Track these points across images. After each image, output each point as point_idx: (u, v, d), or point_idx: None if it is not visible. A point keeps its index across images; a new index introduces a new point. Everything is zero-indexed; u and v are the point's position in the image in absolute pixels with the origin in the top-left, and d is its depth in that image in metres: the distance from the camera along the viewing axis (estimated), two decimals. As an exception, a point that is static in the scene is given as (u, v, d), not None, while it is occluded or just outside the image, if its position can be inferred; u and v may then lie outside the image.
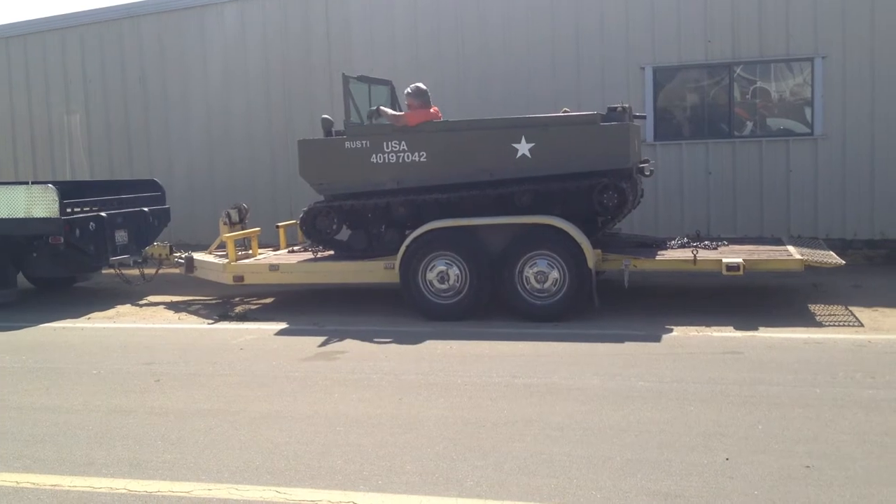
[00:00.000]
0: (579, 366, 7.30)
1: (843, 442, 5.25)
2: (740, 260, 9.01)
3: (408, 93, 10.14)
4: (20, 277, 12.24)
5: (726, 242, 10.36)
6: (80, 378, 7.61)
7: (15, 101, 16.74)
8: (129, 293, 12.15)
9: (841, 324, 8.69)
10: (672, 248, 10.09)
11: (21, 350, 8.91)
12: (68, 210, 11.30)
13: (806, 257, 9.21)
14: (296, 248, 11.63)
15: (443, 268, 9.49)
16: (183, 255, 11.49)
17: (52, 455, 5.59)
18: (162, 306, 11.29)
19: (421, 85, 10.17)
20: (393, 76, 11.70)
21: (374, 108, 10.33)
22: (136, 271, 12.06)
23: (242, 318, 10.25)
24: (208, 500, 4.73)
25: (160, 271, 12.05)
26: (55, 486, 5.04)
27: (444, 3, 13.88)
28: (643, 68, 13.06)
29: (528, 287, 9.28)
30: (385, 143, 9.89)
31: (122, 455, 5.52)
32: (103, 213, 11.69)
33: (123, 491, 4.92)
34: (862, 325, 8.55)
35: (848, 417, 5.70)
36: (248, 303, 11.28)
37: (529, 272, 9.26)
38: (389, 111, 10.19)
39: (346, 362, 7.80)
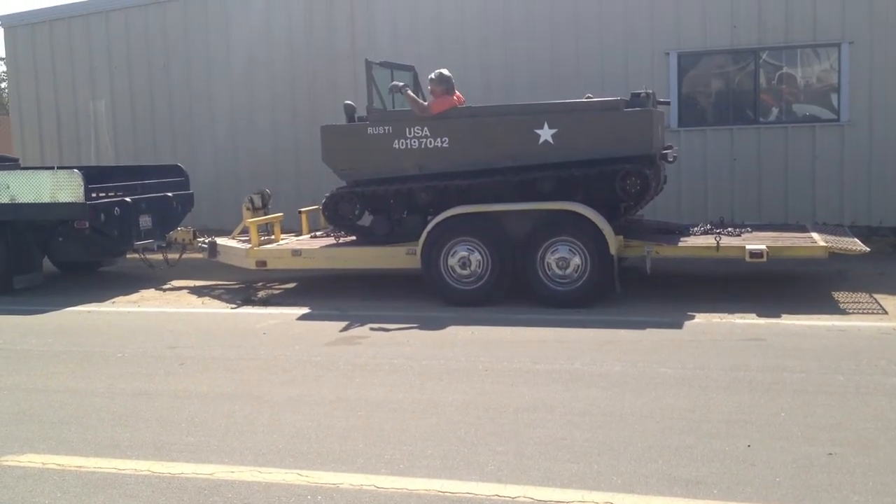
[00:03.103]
0: (601, 352, 7.30)
1: (866, 430, 5.22)
2: (764, 247, 8.95)
3: (431, 79, 10.11)
4: (45, 262, 12.35)
5: (750, 229, 10.30)
6: (105, 361, 7.69)
7: (41, 86, 16.86)
8: (152, 278, 12.24)
9: (865, 311, 8.62)
10: (695, 234, 10.05)
11: (47, 333, 9.00)
12: (93, 195, 11.37)
13: (830, 244, 9.14)
14: (318, 233, 11.66)
15: (464, 253, 9.49)
16: (206, 240, 11.54)
17: (77, 437, 5.65)
18: (185, 291, 11.37)
19: (445, 71, 10.13)
20: (417, 63, 11.66)
21: (402, 84, 10.28)
22: (159, 256, 12.15)
23: (265, 302, 10.31)
24: (232, 483, 4.77)
25: (183, 256, 12.13)
26: (80, 467, 5.09)
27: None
28: (668, 54, 12.96)
29: (549, 273, 9.27)
30: (407, 129, 9.89)
31: (147, 437, 5.58)
32: (128, 199, 11.78)
33: (147, 472, 4.97)
34: (886, 313, 8.49)
35: (871, 405, 5.67)
36: (270, 288, 11.34)
37: (551, 258, 9.24)
38: (413, 96, 10.16)
39: (368, 347, 7.84)
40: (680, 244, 9.51)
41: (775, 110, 12.90)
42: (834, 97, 12.55)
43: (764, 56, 12.75)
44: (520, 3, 13.56)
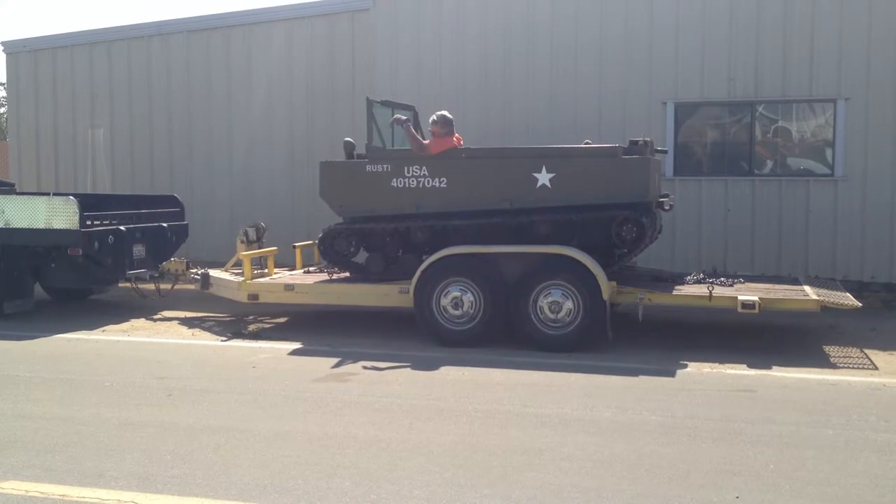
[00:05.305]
0: (591, 398, 7.28)
1: (854, 485, 5.20)
2: (756, 298, 8.97)
3: (433, 120, 10.16)
4: (37, 288, 12.31)
5: (742, 280, 10.32)
6: (92, 390, 7.64)
7: (41, 113, 16.95)
8: (143, 307, 12.21)
9: (856, 366, 8.62)
10: (688, 283, 10.07)
11: (35, 360, 8.95)
12: (88, 223, 11.39)
13: (822, 298, 9.16)
14: (311, 268, 11.67)
15: (457, 294, 9.49)
16: (199, 272, 11.55)
17: (62, 465, 5.60)
18: (176, 321, 11.33)
19: (446, 113, 10.19)
20: (416, 104, 11.74)
21: (405, 118, 10.36)
22: (151, 286, 12.12)
23: (256, 336, 10.28)
24: (215, 517, 4.73)
25: (176, 287, 12.11)
26: (64, 496, 5.04)
27: (469, 35, 13.94)
28: (665, 103, 13.08)
29: (541, 316, 9.27)
30: (406, 168, 9.94)
31: (132, 468, 5.53)
32: (122, 227, 11.78)
33: (131, 504, 4.93)
34: (877, 369, 8.49)
35: (861, 460, 5.65)
36: (261, 321, 11.31)
37: (544, 302, 9.25)
38: (414, 132, 10.23)
39: (357, 385, 7.80)
40: (673, 292, 9.53)
41: (770, 163, 13.00)
42: (829, 152, 12.65)
43: (760, 109, 12.88)
44: (519, 49, 13.68)
